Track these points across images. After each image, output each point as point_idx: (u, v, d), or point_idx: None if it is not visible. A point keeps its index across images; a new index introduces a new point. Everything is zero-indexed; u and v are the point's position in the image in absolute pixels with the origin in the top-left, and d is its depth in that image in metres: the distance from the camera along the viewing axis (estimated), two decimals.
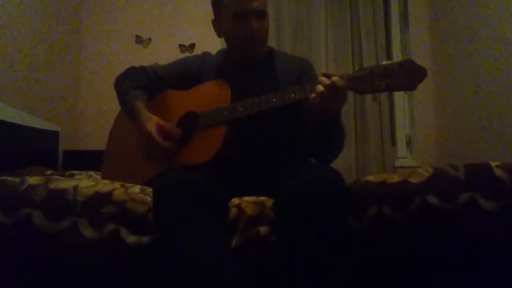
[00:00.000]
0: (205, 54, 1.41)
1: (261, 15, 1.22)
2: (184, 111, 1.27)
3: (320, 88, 1.01)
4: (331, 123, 1.10)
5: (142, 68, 1.40)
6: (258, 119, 1.15)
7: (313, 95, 1.02)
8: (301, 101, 1.08)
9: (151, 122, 1.21)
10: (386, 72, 0.97)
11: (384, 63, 0.99)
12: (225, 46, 1.36)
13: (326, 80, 1.01)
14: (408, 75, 0.96)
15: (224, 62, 1.34)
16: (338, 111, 1.09)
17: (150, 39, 2.91)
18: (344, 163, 2.64)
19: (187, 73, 1.35)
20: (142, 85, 1.33)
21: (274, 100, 1.11)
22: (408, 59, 0.98)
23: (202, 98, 1.26)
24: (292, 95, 1.08)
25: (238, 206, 1.06)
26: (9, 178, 1.14)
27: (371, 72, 0.99)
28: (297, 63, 1.33)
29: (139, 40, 2.91)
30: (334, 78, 1.00)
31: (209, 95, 1.25)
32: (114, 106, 1.47)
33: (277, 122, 1.22)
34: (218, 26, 1.30)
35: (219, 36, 1.32)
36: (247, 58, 1.29)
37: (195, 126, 1.22)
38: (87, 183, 1.12)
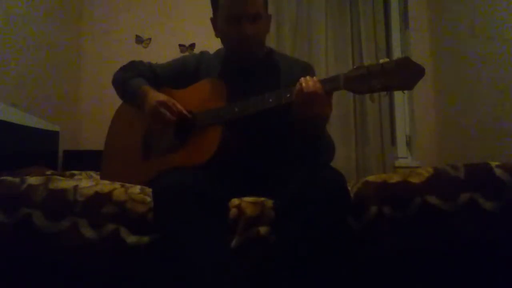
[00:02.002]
0: (203, 53, 1.40)
1: (255, 18, 1.19)
2: None
3: (297, 85, 1.03)
4: (312, 134, 1.08)
5: (141, 62, 1.40)
6: (255, 119, 1.15)
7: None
8: None
9: (163, 95, 1.23)
10: (383, 71, 0.96)
11: (381, 61, 0.98)
12: None
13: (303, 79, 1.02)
14: (405, 74, 0.94)
15: (223, 62, 1.34)
16: (318, 118, 1.05)
17: (150, 39, 2.91)
18: (344, 163, 2.64)
19: (183, 72, 1.35)
20: (143, 75, 1.34)
21: (270, 100, 1.10)
22: (405, 57, 0.96)
23: (198, 97, 1.26)
24: (288, 95, 1.07)
25: (238, 206, 1.06)
26: (9, 178, 1.14)
27: (368, 71, 0.98)
28: (298, 67, 1.31)
29: (139, 40, 2.91)
30: (298, 83, 1.02)
31: (206, 94, 1.24)
32: (114, 106, 1.47)
33: (274, 122, 1.21)
34: (215, 25, 1.29)
35: (216, 35, 1.30)
36: (242, 59, 1.28)
37: (192, 126, 1.22)
38: (87, 183, 1.12)
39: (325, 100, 1.02)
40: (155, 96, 1.23)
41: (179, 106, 1.22)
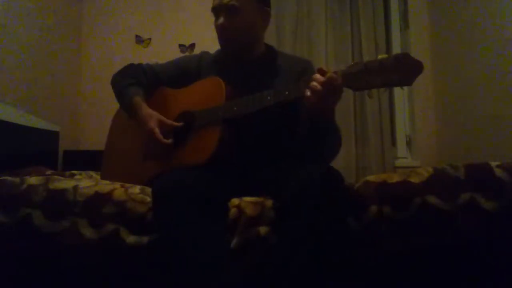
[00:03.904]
0: (204, 53, 1.40)
1: (232, 10, 1.23)
2: (180, 110, 1.27)
3: (314, 85, 0.98)
4: (324, 122, 1.08)
5: (139, 65, 1.39)
6: (254, 118, 1.15)
7: (307, 93, 0.99)
8: (296, 99, 1.06)
9: (153, 118, 1.22)
10: (382, 67, 0.94)
11: (379, 57, 0.96)
12: None
13: (320, 77, 0.98)
14: (404, 70, 0.93)
15: (222, 60, 1.34)
16: (332, 109, 1.06)
17: (150, 39, 2.91)
18: (344, 163, 2.64)
19: (184, 71, 1.35)
20: (139, 82, 1.33)
21: (269, 98, 1.10)
22: (404, 53, 0.95)
23: (197, 97, 1.25)
24: (287, 93, 1.07)
25: (238, 206, 1.06)
26: (9, 178, 1.14)
27: (366, 67, 0.96)
28: (298, 64, 1.32)
29: (139, 40, 2.91)
30: (330, 75, 0.97)
31: (205, 93, 1.24)
32: (114, 106, 1.47)
33: (273, 121, 1.22)
34: None
35: None
36: (235, 55, 1.30)
37: (191, 126, 1.22)
38: (87, 183, 1.12)
39: (339, 91, 1.00)
40: (145, 113, 1.23)
41: (165, 124, 1.21)
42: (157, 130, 1.19)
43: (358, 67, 0.97)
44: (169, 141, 1.19)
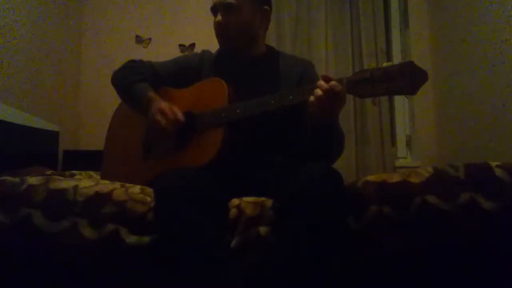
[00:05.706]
0: (205, 52, 1.40)
1: (229, 8, 1.23)
2: (182, 110, 1.26)
3: (318, 92, 1.00)
4: (328, 126, 1.09)
5: (141, 62, 1.38)
6: (256, 120, 1.15)
7: (311, 98, 1.02)
8: (299, 103, 1.08)
9: (166, 102, 1.21)
10: (386, 75, 0.96)
11: (384, 65, 0.98)
12: None
13: (324, 85, 1.00)
14: (408, 79, 0.95)
15: (223, 59, 1.34)
16: (336, 114, 1.08)
17: (150, 39, 2.91)
18: (344, 163, 2.64)
19: (185, 70, 1.35)
20: (145, 78, 1.32)
21: (272, 102, 1.10)
22: (409, 61, 0.97)
23: (200, 97, 1.25)
24: (291, 97, 1.08)
25: (238, 206, 1.06)
26: (9, 178, 1.14)
27: (371, 75, 0.98)
28: (298, 64, 1.33)
29: (139, 40, 2.91)
30: (332, 83, 0.99)
31: (207, 94, 1.24)
32: (114, 106, 1.47)
33: (275, 122, 1.22)
34: None
35: None
36: (229, 53, 1.31)
37: (193, 127, 1.22)
38: (87, 183, 1.12)
39: (343, 98, 1.02)
40: (158, 103, 1.21)
41: (178, 115, 1.19)
42: (167, 107, 1.17)
43: (364, 75, 0.99)
44: (182, 118, 1.17)
